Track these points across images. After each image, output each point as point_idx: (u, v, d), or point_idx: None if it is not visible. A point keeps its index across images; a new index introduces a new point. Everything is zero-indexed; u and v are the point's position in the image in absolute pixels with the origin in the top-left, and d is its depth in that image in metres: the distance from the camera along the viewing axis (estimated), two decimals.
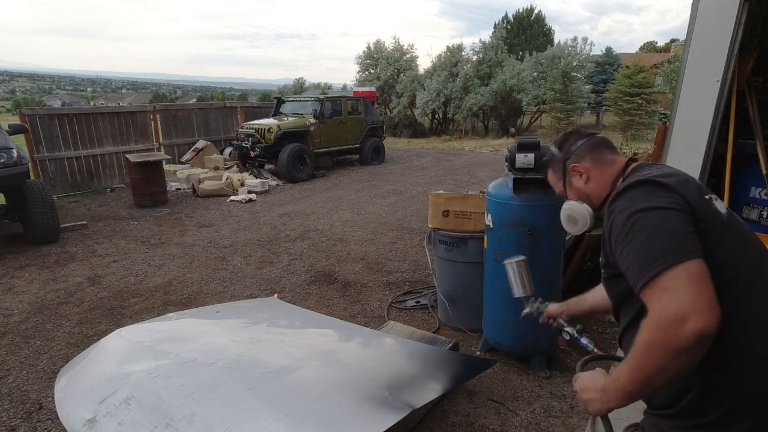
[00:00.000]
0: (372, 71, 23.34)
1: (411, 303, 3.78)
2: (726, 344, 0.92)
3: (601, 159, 1.24)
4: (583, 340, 1.53)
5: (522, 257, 1.75)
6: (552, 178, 1.37)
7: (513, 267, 1.72)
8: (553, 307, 1.64)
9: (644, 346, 0.89)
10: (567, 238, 3.17)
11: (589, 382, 1.06)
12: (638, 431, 1.18)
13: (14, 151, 4.96)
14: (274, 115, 10.37)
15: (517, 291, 1.72)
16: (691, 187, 1.01)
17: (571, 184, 1.29)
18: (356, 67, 24.05)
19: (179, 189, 8.34)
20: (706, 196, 1.02)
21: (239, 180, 8.33)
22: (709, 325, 0.83)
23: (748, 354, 0.95)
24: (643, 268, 0.91)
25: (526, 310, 1.71)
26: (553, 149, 1.34)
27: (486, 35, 20.30)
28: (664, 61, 21.82)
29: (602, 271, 1.19)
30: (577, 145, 1.27)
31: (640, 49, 40.02)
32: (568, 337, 1.56)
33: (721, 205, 1.04)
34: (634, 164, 1.21)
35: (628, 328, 1.11)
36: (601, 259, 1.19)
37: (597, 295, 1.52)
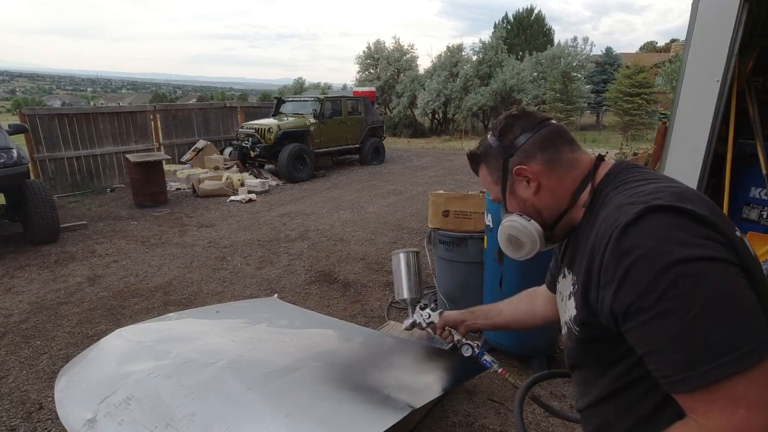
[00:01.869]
0: (372, 71, 23.35)
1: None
2: None
3: (558, 159, 0.89)
4: (486, 358, 1.27)
5: (415, 249, 1.42)
6: (486, 178, 0.99)
7: (404, 259, 1.38)
8: (450, 316, 1.30)
9: None
10: None
11: None
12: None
13: (14, 151, 4.96)
14: (274, 115, 10.38)
15: (404, 291, 1.37)
16: (726, 221, 0.72)
17: (514, 192, 0.94)
18: (356, 67, 24.10)
19: (179, 189, 8.34)
20: (736, 231, 0.74)
21: (239, 180, 8.33)
22: None
23: None
24: (698, 361, 0.62)
25: (411, 319, 1.35)
26: (490, 139, 0.96)
27: (487, 35, 20.33)
28: (665, 61, 21.83)
29: (575, 328, 0.86)
30: (526, 137, 0.90)
31: (640, 49, 40.04)
32: (468, 353, 1.26)
33: (743, 237, 0.77)
34: (607, 166, 0.89)
35: (601, 403, 0.86)
36: (574, 311, 0.85)
37: (518, 309, 1.24)
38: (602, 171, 0.88)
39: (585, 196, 0.87)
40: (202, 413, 1.61)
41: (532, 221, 0.92)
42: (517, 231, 0.94)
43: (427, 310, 1.35)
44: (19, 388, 2.75)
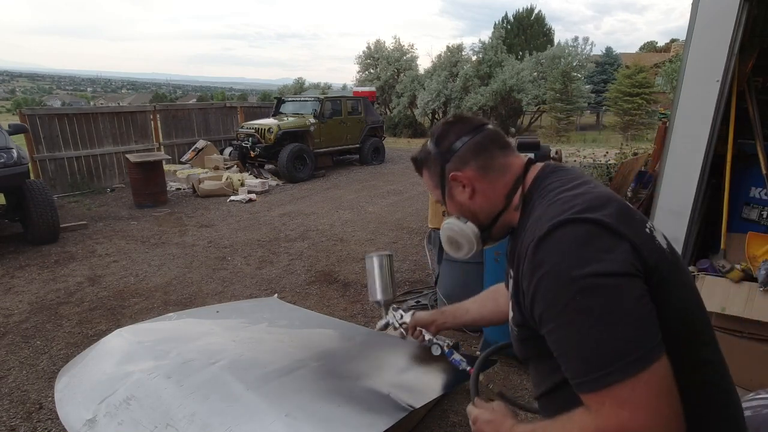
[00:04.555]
0: (372, 71, 23.35)
1: (411, 303, 3.78)
2: (695, 413, 0.77)
3: (490, 165, 0.94)
4: (455, 357, 1.29)
5: (388, 252, 1.44)
6: (428, 182, 1.04)
7: (377, 262, 1.41)
8: (421, 316, 1.35)
9: None
10: None
11: (489, 428, 0.91)
12: None
13: (14, 151, 4.96)
14: (274, 115, 10.38)
15: (377, 293, 1.39)
16: (634, 222, 0.79)
17: (452, 196, 0.99)
18: (356, 67, 24.12)
19: (179, 189, 8.35)
20: (647, 229, 0.81)
21: (239, 180, 8.33)
22: None
23: (714, 415, 0.82)
24: (593, 368, 0.70)
25: (384, 320, 1.39)
26: (429, 144, 1.01)
27: (487, 35, 20.23)
28: (665, 61, 21.84)
29: (514, 327, 0.93)
30: (461, 142, 0.95)
31: (641, 48, 40.04)
32: (438, 353, 1.30)
33: (660, 236, 0.84)
34: (536, 169, 0.94)
35: (552, 393, 0.92)
36: (511, 314, 0.93)
37: (484, 306, 1.29)
38: (531, 175, 0.93)
39: (516, 199, 0.93)
40: (202, 413, 1.61)
41: (469, 223, 0.98)
42: (455, 233, 0.99)
43: (400, 311, 1.37)
44: (19, 388, 2.75)
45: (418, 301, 3.78)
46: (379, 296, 1.40)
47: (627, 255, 0.73)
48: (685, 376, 0.73)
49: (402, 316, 1.37)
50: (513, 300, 0.90)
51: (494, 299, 1.28)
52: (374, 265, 1.41)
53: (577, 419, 0.75)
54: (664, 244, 0.83)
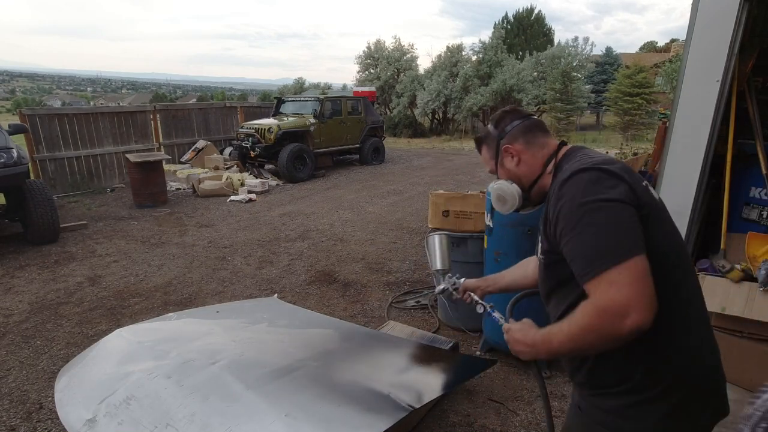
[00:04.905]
0: (372, 71, 23.34)
1: (411, 303, 3.78)
2: (671, 324, 1.01)
3: (533, 142, 1.26)
4: (496, 314, 1.52)
5: (446, 232, 1.75)
6: (485, 155, 1.37)
7: (438, 239, 1.73)
8: (469, 282, 1.66)
9: (583, 328, 0.97)
10: None
11: (520, 336, 1.14)
12: None
13: (14, 151, 4.96)
14: (274, 115, 10.38)
15: (437, 263, 1.71)
16: (634, 176, 1.05)
17: (503, 165, 1.30)
18: (356, 67, 24.10)
19: (179, 189, 8.35)
20: (643, 183, 1.07)
21: (239, 180, 8.33)
22: (647, 320, 0.91)
23: (688, 330, 1.05)
24: (592, 261, 0.96)
25: (442, 286, 1.69)
26: (489, 127, 1.33)
27: (488, 35, 20.14)
28: (665, 61, 21.82)
29: (542, 256, 1.19)
30: (512, 125, 1.27)
31: (641, 48, 40.02)
32: (481, 311, 1.55)
33: (654, 192, 1.12)
34: (566, 148, 1.24)
35: (569, 311, 1.10)
36: (541, 244, 1.19)
37: (516, 273, 1.59)
38: (563, 151, 1.23)
39: (550, 167, 1.23)
40: (202, 413, 1.61)
41: (514, 185, 1.28)
42: (503, 191, 1.30)
43: (454, 278, 1.67)
44: (19, 388, 2.75)
45: (418, 301, 3.78)
46: (438, 266, 1.70)
47: (625, 191, 0.99)
48: (662, 282, 0.97)
49: (455, 283, 1.66)
50: (543, 236, 1.16)
51: (524, 269, 1.58)
52: (435, 241, 1.73)
53: (580, 308, 0.98)
54: (656, 197, 1.10)
